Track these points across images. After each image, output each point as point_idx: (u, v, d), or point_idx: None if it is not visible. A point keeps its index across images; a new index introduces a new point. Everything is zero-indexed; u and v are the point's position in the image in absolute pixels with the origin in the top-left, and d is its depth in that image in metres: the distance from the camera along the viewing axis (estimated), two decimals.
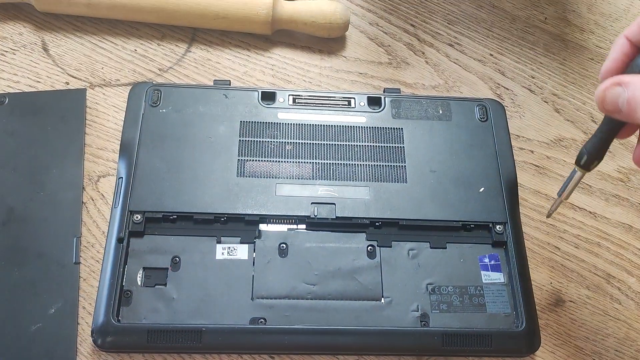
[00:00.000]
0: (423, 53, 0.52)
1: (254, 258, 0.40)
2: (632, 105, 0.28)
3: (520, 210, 0.43)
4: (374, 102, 0.46)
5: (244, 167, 0.42)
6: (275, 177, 0.42)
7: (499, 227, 0.42)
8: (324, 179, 0.43)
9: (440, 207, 0.42)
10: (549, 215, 0.41)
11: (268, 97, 0.46)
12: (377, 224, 0.41)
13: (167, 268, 0.39)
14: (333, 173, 0.43)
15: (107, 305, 0.37)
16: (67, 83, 0.47)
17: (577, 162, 0.36)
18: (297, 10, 0.50)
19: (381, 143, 0.45)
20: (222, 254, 0.40)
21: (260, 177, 0.42)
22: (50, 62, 0.48)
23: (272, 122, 0.45)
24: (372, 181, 0.43)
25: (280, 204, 0.41)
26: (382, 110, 0.46)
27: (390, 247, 0.41)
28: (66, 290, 0.38)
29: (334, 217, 0.41)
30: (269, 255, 0.40)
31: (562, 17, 0.56)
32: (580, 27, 0.56)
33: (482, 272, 0.41)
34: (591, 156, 0.34)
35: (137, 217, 0.40)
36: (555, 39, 0.55)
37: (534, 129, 0.50)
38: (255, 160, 0.43)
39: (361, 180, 0.43)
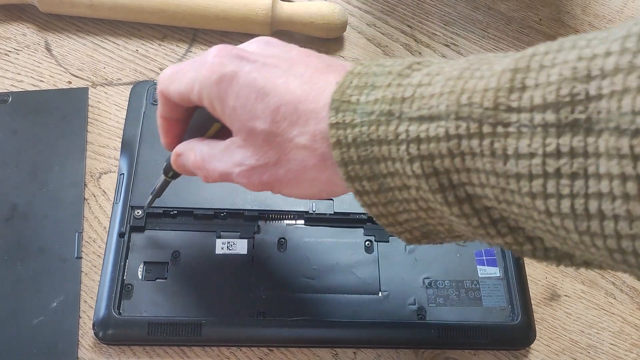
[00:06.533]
0: (420, 53, 0.53)
1: (253, 252, 0.40)
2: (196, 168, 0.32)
3: None
4: None
5: None
6: None
7: None
8: None
9: None
10: (144, 210, 0.40)
11: None
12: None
13: (168, 262, 0.39)
14: None
15: (108, 299, 0.37)
16: (70, 82, 0.48)
17: (165, 173, 0.37)
18: (295, 11, 0.50)
19: None
20: (222, 248, 0.40)
21: None
22: (53, 61, 0.48)
23: None
24: None
25: (279, 200, 0.42)
26: None
27: (388, 242, 0.42)
28: (68, 285, 0.39)
29: (332, 212, 0.42)
30: (268, 250, 0.40)
31: (557, 19, 0.57)
32: (574, 29, 0.56)
33: (478, 267, 0.41)
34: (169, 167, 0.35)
35: (138, 213, 0.40)
36: (550, 39, 0.55)
37: None
38: None
39: None
